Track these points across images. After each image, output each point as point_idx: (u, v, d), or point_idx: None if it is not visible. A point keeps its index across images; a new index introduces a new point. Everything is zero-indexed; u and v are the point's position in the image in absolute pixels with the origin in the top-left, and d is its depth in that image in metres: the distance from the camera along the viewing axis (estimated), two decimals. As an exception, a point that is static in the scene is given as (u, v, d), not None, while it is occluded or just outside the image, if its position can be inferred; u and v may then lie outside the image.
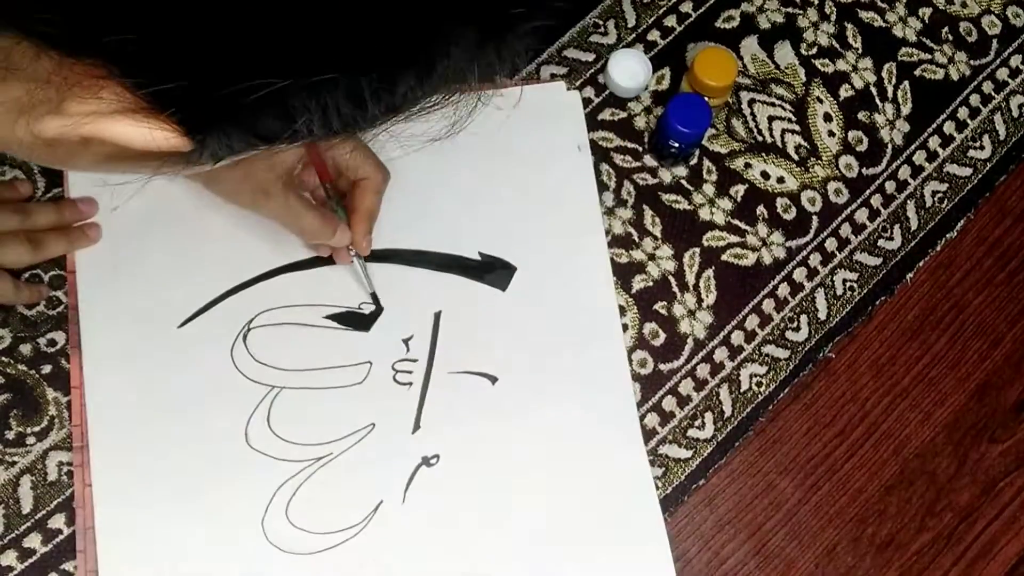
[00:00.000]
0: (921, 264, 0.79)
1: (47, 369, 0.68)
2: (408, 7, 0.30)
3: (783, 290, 0.77)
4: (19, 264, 0.69)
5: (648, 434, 0.72)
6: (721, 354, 0.75)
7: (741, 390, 0.74)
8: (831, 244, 0.78)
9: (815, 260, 0.78)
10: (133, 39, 0.29)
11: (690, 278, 0.76)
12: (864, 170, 0.80)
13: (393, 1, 0.30)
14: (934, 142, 0.82)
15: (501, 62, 0.35)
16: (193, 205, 0.72)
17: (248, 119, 0.34)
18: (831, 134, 0.81)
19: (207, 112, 0.33)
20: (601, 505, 0.70)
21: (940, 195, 0.81)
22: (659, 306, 0.75)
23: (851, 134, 0.81)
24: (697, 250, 0.76)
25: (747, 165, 0.79)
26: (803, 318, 0.76)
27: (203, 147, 0.35)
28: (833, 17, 0.84)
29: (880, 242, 0.79)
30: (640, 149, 0.78)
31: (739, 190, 0.78)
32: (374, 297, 0.71)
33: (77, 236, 0.70)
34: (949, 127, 0.83)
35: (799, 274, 0.77)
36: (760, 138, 0.80)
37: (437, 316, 0.72)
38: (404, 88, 0.34)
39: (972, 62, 0.85)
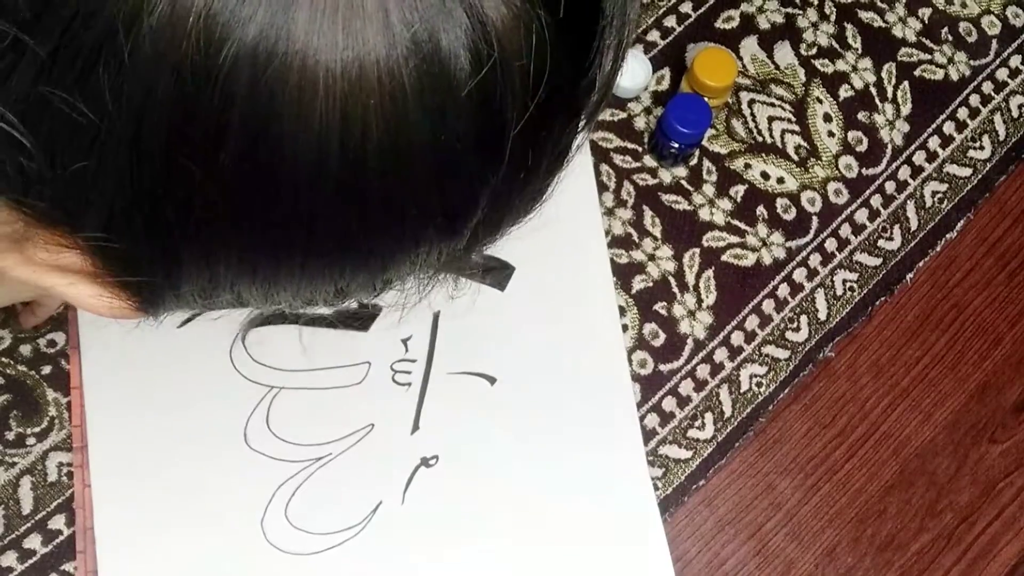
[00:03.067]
0: (921, 264, 0.79)
1: (47, 370, 0.68)
2: (377, 239, 0.30)
3: (783, 290, 0.77)
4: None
5: (648, 434, 0.72)
6: (721, 354, 0.75)
7: (741, 390, 0.74)
8: (831, 244, 0.78)
9: (815, 260, 0.78)
10: (110, 239, 0.29)
11: (690, 278, 0.76)
12: (864, 170, 0.80)
13: (361, 230, 0.29)
14: (934, 142, 0.82)
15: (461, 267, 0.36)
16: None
17: (205, 306, 0.34)
18: (831, 134, 0.81)
19: (174, 301, 0.33)
20: (600, 506, 0.69)
21: (940, 195, 0.81)
22: (659, 307, 0.75)
23: (851, 134, 0.81)
24: (697, 250, 0.76)
25: (747, 165, 0.79)
26: (803, 318, 0.76)
27: (154, 317, 0.35)
28: (833, 17, 0.84)
29: (880, 242, 0.79)
30: (640, 149, 0.78)
31: (739, 190, 0.78)
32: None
33: None
34: (949, 127, 0.83)
35: (799, 274, 0.77)
36: (760, 138, 0.80)
37: (436, 316, 0.72)
38: (356, 296, 0.34)
39: (972, 62, 0.85)
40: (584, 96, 0.32)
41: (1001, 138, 0.83)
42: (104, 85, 0.24)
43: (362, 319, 0.71)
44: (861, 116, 0.82)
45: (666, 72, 0.81)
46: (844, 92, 0.82)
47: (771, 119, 0.80)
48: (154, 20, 0.24)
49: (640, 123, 0.79)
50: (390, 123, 0.26)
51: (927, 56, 0.84)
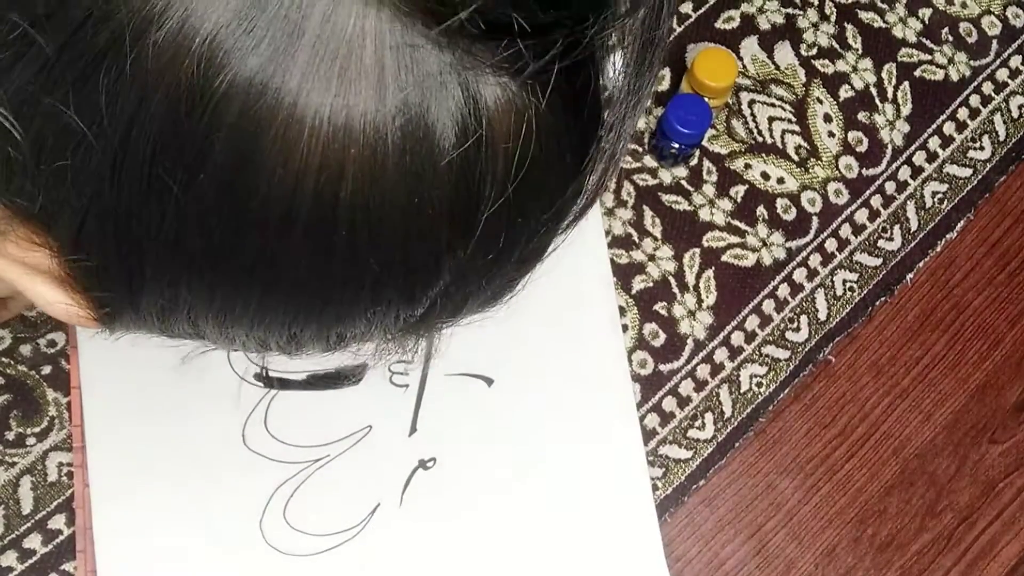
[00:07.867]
0: (921, 265, 0.79)
1: (47, 370, 0.69)
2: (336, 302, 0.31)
3: (783, 291, 0.77)
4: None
5: (648, 435, 0.72)
6: (721, 355, 0.75)
7: (741, 391, 0.74)
8: (831, 245, 0.78)
9: (815, 261, 0.78)
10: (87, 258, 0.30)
11: (690, 279, 0.76)
12: (864, 171, 0.80)
13: (321, 292, 0.30)
14: (934, 143, 0.82)
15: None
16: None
17: (162, 330, 0.35)
18: (831, 135, 0.81)
19: (132, 317, 0.33)
20: (599, 507, 0.69)
21: (940, 196, 0.81)
22: (659, 307, 0.75)
23: (851, 135, 0.81)
24: (697, 251, 0.76)
25: (747, 166, 0.79)
26: (803, 319, 0.76)
27: (111, 331, 0.36)
28: (833, 18, 0.84)
29: (880, 243, 0.79)
30: (640, 150, 0.78)
31: (739, 191, 0.78)
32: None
33: None
34: (949, 128, 0.83)
35: (799, 275, 0.77)
36: (760, 139, 0.80)
37: (436, 317, 0.72)
38: (309, 347, 0.35)
39: (972, 63, 0.85)
40: (570, 198, 0.33)
41: (1001, 138, 0.83)
42: (101, 90, 0.25)
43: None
44: (861, 116, 0.82)
45: (666, 72, 0.80)
46: (844, 92, 0.82)
47: (771, 119, 0.80)
48: (161, 35, 0.24)
49: (640, 123, 0.79)
50: (367, 175, 0.27)
51: (927, 56, 0.84)
